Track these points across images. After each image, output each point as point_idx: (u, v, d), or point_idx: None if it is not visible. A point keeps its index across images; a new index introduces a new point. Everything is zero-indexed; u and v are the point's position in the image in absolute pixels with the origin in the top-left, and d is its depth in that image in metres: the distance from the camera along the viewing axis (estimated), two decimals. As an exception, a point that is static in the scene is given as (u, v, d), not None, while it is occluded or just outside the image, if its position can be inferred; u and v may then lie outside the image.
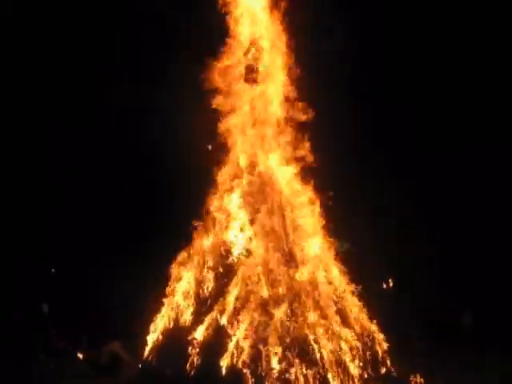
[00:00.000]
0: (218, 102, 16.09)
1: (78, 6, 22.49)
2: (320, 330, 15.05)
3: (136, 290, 20.24)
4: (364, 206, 21.36)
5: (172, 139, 19.97)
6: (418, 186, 22.16)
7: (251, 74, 16.21)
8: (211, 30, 16.62)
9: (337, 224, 16.31)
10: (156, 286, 16.73)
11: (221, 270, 15.74)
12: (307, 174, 16.09)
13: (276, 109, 16.17)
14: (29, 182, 22.57)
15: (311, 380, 14.58)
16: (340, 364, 14.92)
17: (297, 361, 14.68)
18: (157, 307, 15.99)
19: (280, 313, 15.05)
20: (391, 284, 21.36)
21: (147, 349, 15.74)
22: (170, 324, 15.77)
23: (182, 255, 16.12)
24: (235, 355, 14.77)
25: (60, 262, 22.45)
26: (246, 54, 16.21)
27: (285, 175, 16.17)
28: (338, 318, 15.37)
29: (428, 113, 22.72)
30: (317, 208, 16.00)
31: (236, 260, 15.68)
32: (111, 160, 22.85)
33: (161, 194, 22.39)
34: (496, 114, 22.66)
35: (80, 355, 16.32)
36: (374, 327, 15.67)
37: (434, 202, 22.33)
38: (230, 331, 14.98)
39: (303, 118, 16.00)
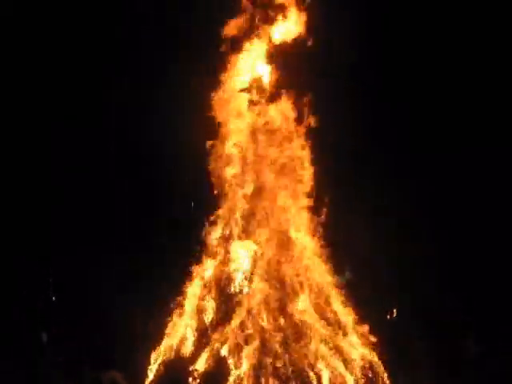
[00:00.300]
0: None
1: (77, 5, 22.47)
2: (321, 363, 15.05)
3: (135, 290, 20.29)
4: (364, 208, 21.30)
5: (172, 139, 19.99)
6: (418, 186, 22.15)
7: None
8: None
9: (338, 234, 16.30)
10: (155, 288, 16.72)
11: (222, 299, 15.72)
12: (310, 192, 16.07)
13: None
14: (29, 182, 22.55)
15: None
16: None
17: None
18: (157, 337, 15.96)
19: (281, 344, 15.04)
20: (395, 314, 21.24)
21: (147, 380, 15.68)
22: (170, 354, 15.73)
23: (184, 285, 16.11)
24: None
25: (60, 262, 22.42)
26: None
27: (287, 199, 16.12)
28: (340, 349, 15.36)
29: (428, 113, 22.71)
30: (319, 231, 16.01)
31: (237, 290, 15.65)
32: (111, 160, 22.81)
33: (161, 194, 22.39)
34: (496, 113, 22.65)
35: None
36: (376, 359, 15.63)
37: (434, 201, 22.30)
38: (230, 362, 14.95)
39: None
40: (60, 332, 20.69)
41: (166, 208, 22.06)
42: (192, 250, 16.14)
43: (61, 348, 20.25)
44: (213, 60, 16.37)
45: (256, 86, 16.06)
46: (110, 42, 22.32)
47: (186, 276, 15.91)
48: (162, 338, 15.75)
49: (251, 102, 16.10)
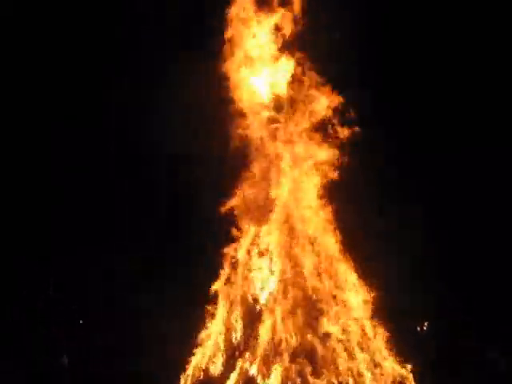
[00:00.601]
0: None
1: (77, 5, 22.48)
2: (350, 379, 15.02)
3: (135, 291, 20.31)
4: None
5: (172, 139, 20.00)
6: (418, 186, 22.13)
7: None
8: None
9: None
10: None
11: (249, 318, 15.66)
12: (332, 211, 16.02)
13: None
14: (29, 182, 22.56)
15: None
16: None
17: None
18: (187, 356, 15.93)
19: (310, 362, 14.99)
20: (425, 327, 20.90)
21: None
22: (199, 374, 15.69)
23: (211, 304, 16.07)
24: None
25: (60, 262, 22.43)
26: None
27: (310, 215, 16.05)
28: (369, 367, 15.32)
29: (428, 113, 22.69)
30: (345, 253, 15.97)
31: (264, 308, 15.59)
32: (111, 160, 22.82)
33: (161, 195, 22.41)
34: (496, 113, 22.63)
35: None
36: (407, 375, 15.58)
37: (434, 201, 22.27)
38: (259, 381, 14.92)
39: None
40: (60, 332, 20.72)
41: (167, 209, 22.11)
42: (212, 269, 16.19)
43: (61, 348, 20.26)
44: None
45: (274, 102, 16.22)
46: (110, 41, 22.32)
47: (211, 295, 15.93)
48: (191, 358, 15.77)
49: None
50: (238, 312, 15.67)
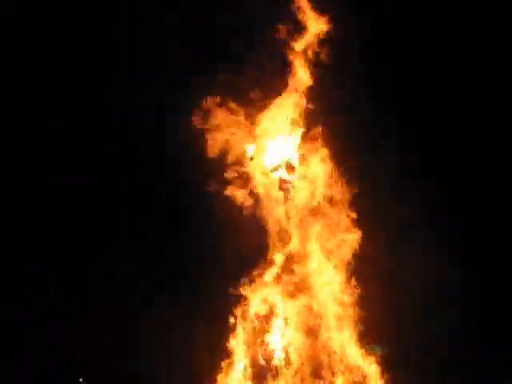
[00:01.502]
0: None
1: (77, 5, 22.48)
2: None
3: (133, 289, 20.32)
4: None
5: (172, 139, 20.00)
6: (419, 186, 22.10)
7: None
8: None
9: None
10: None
11: (262, 377, 15.60)
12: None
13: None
14: (29, 182, 22.54)
15: None
16: None
17: None
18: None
19: None
20: None
21: None
22: None
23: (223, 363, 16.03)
24: None
25: (60, 262, 22.41)
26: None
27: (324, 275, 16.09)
28: None
29: (428, 113, 22.69)
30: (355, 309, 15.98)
31: (275, 368, 15.54)
32: (111, 160, 22.80)
33: (161, 195, 22.39)
34: (497, 114, 22.63)
35: None
36: None
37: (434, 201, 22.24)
38: None
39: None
40: (60, 332, 20.70)
41: (167, 209, 22.09)
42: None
43: (61, 348, 20.26)
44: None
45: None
46: (110, 41, 22.31)
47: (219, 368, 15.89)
48: None
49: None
50: (249, 369, 15.61)
